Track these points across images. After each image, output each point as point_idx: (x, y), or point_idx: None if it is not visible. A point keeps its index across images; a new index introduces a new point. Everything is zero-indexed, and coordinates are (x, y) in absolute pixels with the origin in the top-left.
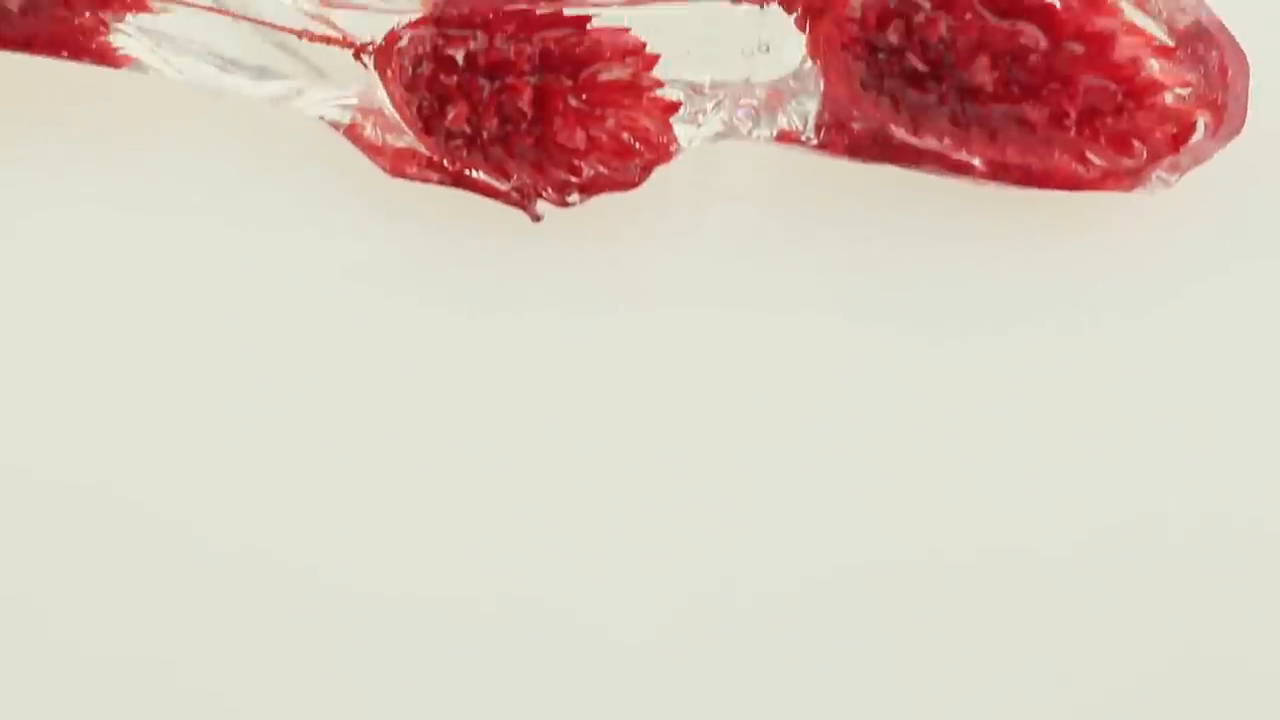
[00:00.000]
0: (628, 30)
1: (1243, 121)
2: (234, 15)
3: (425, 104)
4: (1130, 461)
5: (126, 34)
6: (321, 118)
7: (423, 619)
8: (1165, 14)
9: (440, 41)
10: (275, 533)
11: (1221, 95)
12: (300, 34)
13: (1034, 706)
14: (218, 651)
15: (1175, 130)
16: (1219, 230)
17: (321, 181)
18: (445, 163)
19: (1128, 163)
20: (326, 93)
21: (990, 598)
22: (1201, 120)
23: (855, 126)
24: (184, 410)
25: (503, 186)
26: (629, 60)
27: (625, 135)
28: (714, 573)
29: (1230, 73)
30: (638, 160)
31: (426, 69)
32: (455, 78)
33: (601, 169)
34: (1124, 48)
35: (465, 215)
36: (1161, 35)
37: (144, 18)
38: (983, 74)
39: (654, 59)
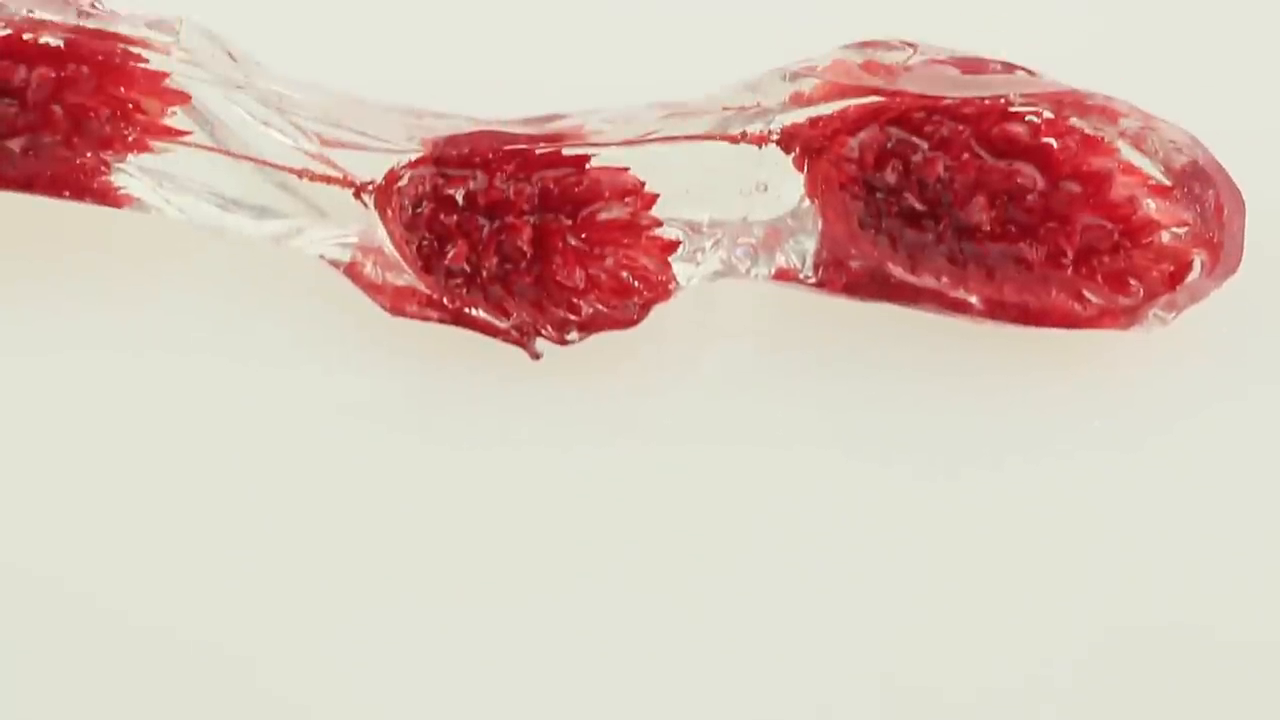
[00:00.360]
0: (626, 170)
1: (1239, 260)
2: (235, 155)
3: (425, 243)
4: (1126, 595)
5: (128, 174)
6: (322, 256)
7: None
8: (1162, 154)
9: (440, 181)
10: (278, 669)
11: (1218, 234)
12: (301, 173)
13: None
14: None
15: (1172, 269)
16: (1215, 367)
17: (322, 318)
18: (445, 301)
19: (1125, 301)
20: (327, 231)
21: None
22: (1198, 259)
23: (853, 265)
24: (185, 547)
25: (502, 324)
26: (628, 199)
27: (624, 274)
28: (713, 708)
29: (1226, 212)
30: (637, 298)
31: (426, 208)
32: (455, 217)
33: (601, 307)
34: (1121, 187)
35: (465, 353)
36: (1158, 175)
37: (145, 157)
38: (980, 213)
39: (653, 198)
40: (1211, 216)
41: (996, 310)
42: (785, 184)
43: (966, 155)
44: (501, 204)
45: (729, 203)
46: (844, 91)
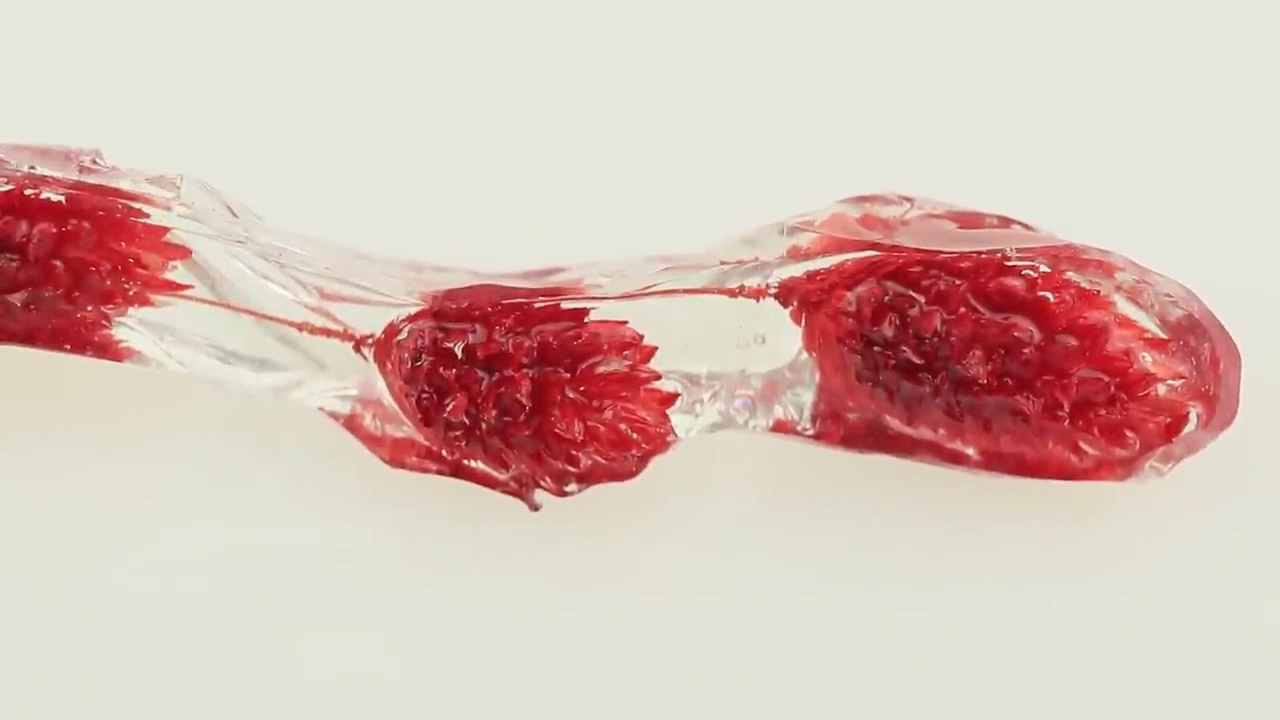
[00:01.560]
0: (625, 323)
1: (1234, 412)
2: (235, 308)
3: (424, 395)
4: None
5: (129, 327)
6: (321, 409)
7: None
8: (1158, 307)
9: (439, 335)
10: None
11: (1214, 387)
12: (301, 326)
13: None
14: None
15: (1168, 421)
16: (1211, 518)
17: (322, 468)
18: (444, 453)
19: (1121, 453)
20: (326, 384)
21: None
22: (1194, 411)
23: (850, 417)
24: (183, 696)
25: (501, 476)
26: (626, 353)
27: (623, 426)
28: None
29: (1222, 365)
30: (635, 451)
31: (425, 361)
32: (454, 370)
33: (599, 459)
34: (1117, 340)
35: (464, 504)
36: (1154, 328)
37: (146, 311)
38: (977, 367)
39: (651, 351)
40: (1207, 369)
41: (993, 462)
42: (783, 337)
43: (963, 309)
44: (500, 357)
45: (727, 355)
46: (841, 246)
